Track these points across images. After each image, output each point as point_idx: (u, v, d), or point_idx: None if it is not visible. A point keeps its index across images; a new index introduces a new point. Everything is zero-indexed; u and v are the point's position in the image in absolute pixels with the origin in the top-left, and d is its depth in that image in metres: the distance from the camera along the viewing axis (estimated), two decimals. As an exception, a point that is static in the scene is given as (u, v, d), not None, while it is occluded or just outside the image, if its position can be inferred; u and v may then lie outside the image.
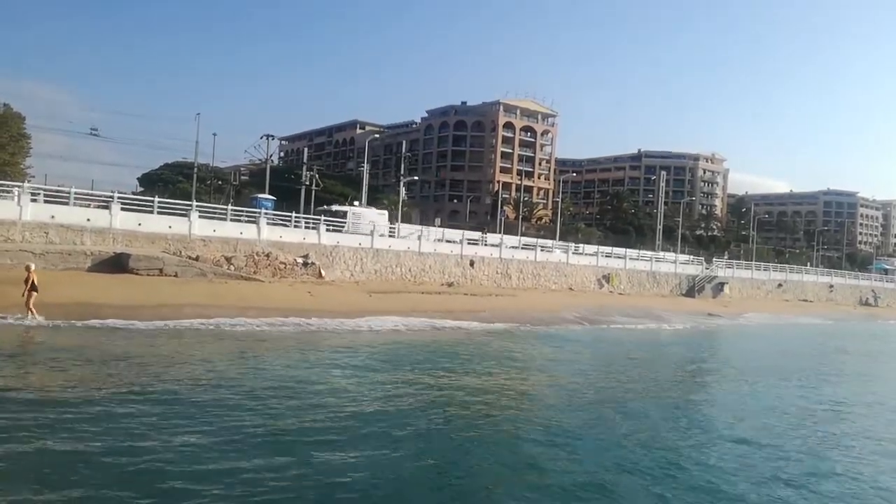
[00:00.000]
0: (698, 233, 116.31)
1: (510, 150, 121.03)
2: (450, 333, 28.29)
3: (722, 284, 66.32)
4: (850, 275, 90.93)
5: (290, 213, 42.23)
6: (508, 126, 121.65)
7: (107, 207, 33.17)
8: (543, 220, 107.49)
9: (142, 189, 78.60)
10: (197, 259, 32.94)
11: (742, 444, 12.79)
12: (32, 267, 21.36)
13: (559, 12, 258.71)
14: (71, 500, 7.78)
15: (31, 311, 20.37)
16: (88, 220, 32.09)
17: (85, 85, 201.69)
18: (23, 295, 20.43)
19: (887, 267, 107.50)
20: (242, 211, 39.79)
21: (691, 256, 73.29)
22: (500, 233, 62.15)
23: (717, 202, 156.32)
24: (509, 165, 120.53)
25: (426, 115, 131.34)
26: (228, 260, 34.29)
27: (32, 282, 20.57)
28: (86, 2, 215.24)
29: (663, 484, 10.03)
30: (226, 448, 10.02)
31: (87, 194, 37.34)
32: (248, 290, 30.65)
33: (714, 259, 73.52)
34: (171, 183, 76.39)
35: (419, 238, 46.95)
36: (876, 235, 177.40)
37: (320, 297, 31.93)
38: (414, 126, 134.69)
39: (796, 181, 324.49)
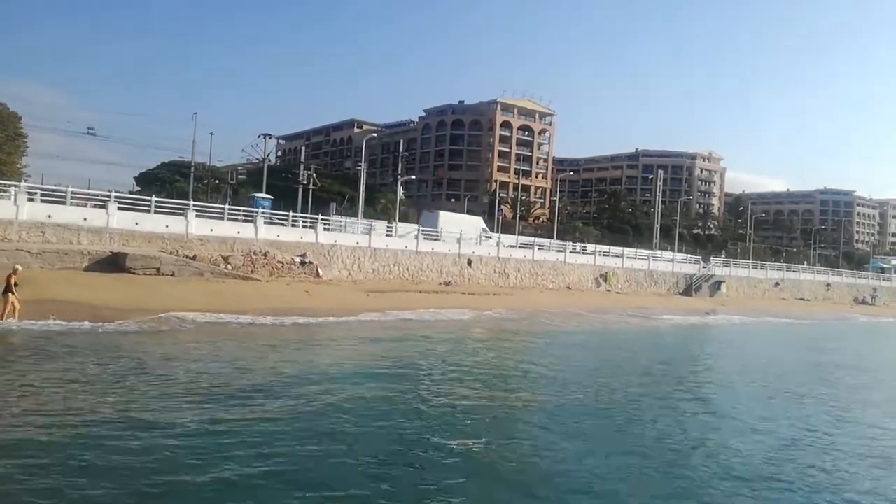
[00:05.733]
0: (696, 232, 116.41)
1: (507, 149, 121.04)
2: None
3: (719, 283, 66.43)
4: (847, 273, 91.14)
5: (287, 213, 42.21)
6: (506, 125, 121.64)
7: (104, 207, 33.12)
8: (541, 219, 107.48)
9: (139, 188, 78.52)
10: (194, 258, 32.89)
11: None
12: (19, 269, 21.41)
13: (556, 12, 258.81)
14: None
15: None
16: (85, 219, 32.05)
17: (82, 85, 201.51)
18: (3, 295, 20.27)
19: (884, 265, 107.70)
20: (240, 210, 39.69)
21: (689, 255, 73.41)
22: (497, 232, 62.11)
23: (715, 201, 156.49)
24: (507, 164, 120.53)
25: (423, 114, 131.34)
26: (226, 259, 34.27)
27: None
28: (82, 2, 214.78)
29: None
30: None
31: (84, 194, 37.22)
32: (246, 290, 30.64)
33: (711, 258, 73.64)
34: (168, 182, 76.34)
35: (417, 237, 46.93)
36: (872, 234, 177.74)
37: (318, 297, 31.95)
38: (411, 125, 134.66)
39: (793, 180, 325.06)
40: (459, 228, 50.22)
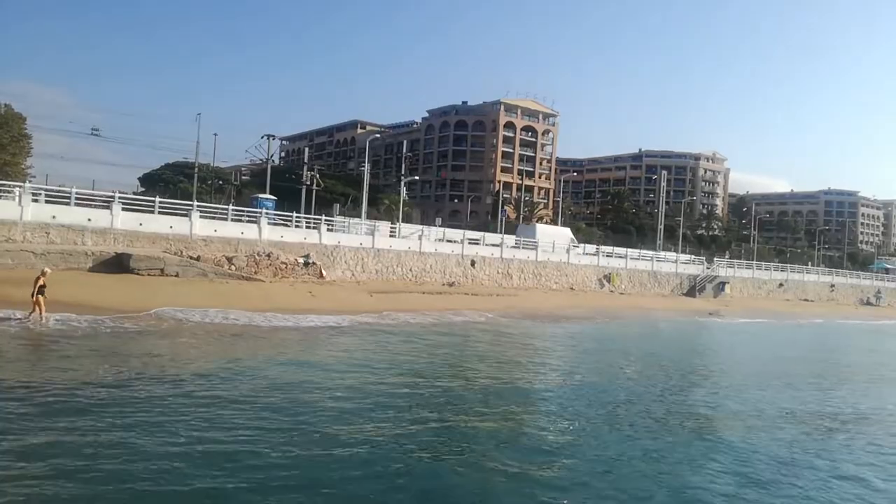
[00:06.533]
0: (699, 232, 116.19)
1: (511, 150, 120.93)
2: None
3: (723, 284, 66.27)
4: (851, 274, 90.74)
5: (290, 213, 42.23)
6: (509, 126, 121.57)
7: (108, 207, 33.15)
8: (544, 220, 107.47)
9: (143, 189, 78.58)
10: (198, 259, 32.94)
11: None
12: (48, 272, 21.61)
13: (559, 12, 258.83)
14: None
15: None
16: (89, 220, 32.10)
17: (85, 85, 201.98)
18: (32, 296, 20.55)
19: (888, 266, 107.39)
20: (243, 211, 39.78)
21: (692, 256, 73.18)
22: (500, 233, 62.09)
23: (718, 202, 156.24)
24: (510, 165, 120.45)
25: (427, 114, 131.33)
26: (230, 260, 34.29)
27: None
28: (86, 2, 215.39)
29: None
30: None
31: (88, 194, 37.24)
32: (250, 290, 30.68)
33: (715, 259, 73.48)
34: (171, 183, 76.37)
35: (420, 238, 46.91)
36: (877, 235, 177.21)
37: (322, 297, 31.96)
38: (415, 126, 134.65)
39: (797, 181, 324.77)
40: (552, 238, 56.56)
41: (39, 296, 20.46)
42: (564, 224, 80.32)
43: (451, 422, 12.86)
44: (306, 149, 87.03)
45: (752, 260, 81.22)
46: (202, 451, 9.75)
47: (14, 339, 18.17)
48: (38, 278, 20.71)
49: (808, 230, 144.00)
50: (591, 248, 61.17)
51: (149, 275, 29.43)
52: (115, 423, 10.84)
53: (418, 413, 13.42)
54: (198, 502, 8.08)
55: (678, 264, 66.02)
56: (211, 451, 9.77)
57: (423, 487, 9.21)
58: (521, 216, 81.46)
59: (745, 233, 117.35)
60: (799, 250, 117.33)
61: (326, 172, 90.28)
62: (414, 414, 13.31)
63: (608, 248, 62.66)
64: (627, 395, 16.95)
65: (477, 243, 51.67)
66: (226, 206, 39.86)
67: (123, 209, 33.56)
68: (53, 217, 31.05)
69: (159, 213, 35.13)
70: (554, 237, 57.62)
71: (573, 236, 62.46)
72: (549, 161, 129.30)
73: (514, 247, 52.49)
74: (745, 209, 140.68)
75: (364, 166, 59.31)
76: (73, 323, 20.94)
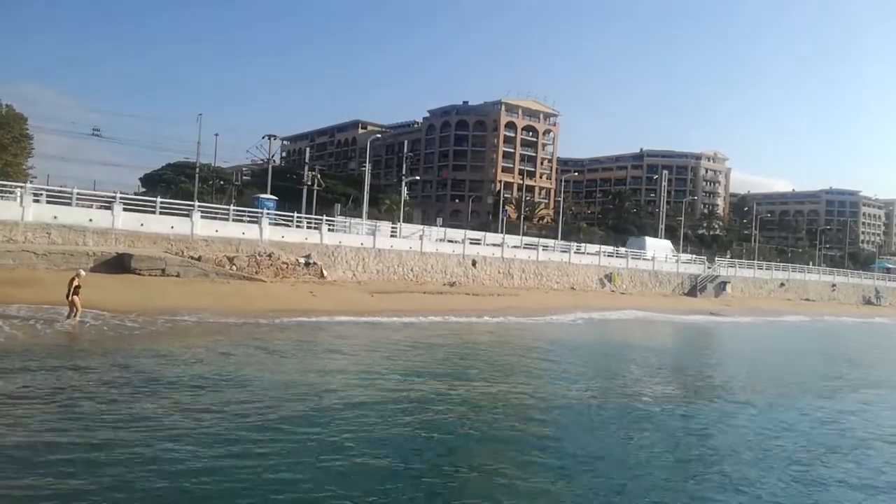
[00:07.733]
0: (700, 232, 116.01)
1: (512, 150, 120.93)
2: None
3: (724, 284, 66.26)
4: (852, 274, 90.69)
5: (291, 214, 42.27)
6: (510, 126, 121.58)
7: (109, 208, 33.19)
8: (545, 220, 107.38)
9: (144, 189, 78.61)
10: (199, 259, 32.97)
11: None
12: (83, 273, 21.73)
13: (561, 12, 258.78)
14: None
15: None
16: (91, 220, 32.14)
17: (87, 86, 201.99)
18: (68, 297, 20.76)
19: (890, 266, 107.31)
20: (244, 211, 39.81)
21: (693, 256, 73.20)
22: (501, 232, 62.11)
23: (720, 201, 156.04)
24: (511, 165, 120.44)
25: (428, 114, 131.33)
26: (231, 260, 34.32)
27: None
28: (88, 5, 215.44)
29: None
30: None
31: (90, 195, 37.34)
32: (251, 291, 30.70)
33: (716, 258, 73.48)
34: (173, 183, 76.42)
35: (421, 238, 46.92)
36: (878, 234, 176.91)
37: (323, 297, 31.97)
38: (416, 126, 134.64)
39: (798, 180, 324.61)
40: (658, 250, 65.98)
41: (75, 297, 20.65)
42: (565, 224, 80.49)
43: (460, 417, 12.89)
44: (307, 149, 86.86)
45: (754, 259, 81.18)
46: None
47: (13, 340, 18.19)
48: (72, 279, 20.87)
49: (809, 230, 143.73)
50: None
51: (150, 275, 29.47)
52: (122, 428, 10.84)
53: (422, 411, 13.44)
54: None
55: (679, 264, 66.03)
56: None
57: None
58: (522, 216, 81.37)
59: (746, 232, 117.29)
60: (800, 250, 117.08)
61: (327, 172, 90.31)
62: (418, 412, 13.34)
63: (609, 248, 62.49)
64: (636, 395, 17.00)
65: (478, 243, 51.71)
66: (227, 207, 39.90)
67: (125, 209, 33.59)
68: (55, 217, 31.08)
69: (160, 213, 35.16)
70: (658, 248, 67.00)
71: (673, 247, 71.06)
72: (550, 161, 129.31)
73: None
74: (746, 209, 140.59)
75: (365, 166, 59.26)
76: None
